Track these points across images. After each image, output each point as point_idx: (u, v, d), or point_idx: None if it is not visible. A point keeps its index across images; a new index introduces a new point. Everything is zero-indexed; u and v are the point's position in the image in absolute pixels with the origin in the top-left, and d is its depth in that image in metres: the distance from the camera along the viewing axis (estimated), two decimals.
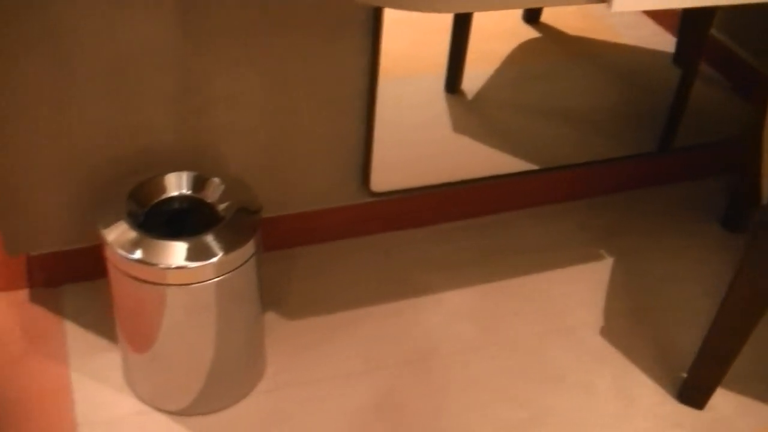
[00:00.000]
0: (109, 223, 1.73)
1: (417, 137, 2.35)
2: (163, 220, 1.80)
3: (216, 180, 1.82)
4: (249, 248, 1.74)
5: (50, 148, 1.93)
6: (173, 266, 1.67)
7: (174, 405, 1.88)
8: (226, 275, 1.72)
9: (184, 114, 1.97)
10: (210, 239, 1.70)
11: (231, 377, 1.88)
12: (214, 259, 1.68)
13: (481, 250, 2.37)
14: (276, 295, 2.19)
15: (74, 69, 1.84)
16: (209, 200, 1.81)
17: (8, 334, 2.06)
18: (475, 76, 2.41)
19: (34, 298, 2.15)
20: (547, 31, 2.47)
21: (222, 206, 1.80)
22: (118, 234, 1.71)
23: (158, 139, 1.98)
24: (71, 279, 2.17)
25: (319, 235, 2.33)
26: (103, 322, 2.09)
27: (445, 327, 2.14)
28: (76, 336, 2.07)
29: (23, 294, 2.17)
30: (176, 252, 1.68)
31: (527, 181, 2.47)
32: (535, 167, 2.44)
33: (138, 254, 1.68)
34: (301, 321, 2.13)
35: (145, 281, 1.70)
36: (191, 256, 1.68)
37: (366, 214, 2.32)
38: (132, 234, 1.71)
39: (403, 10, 1.41)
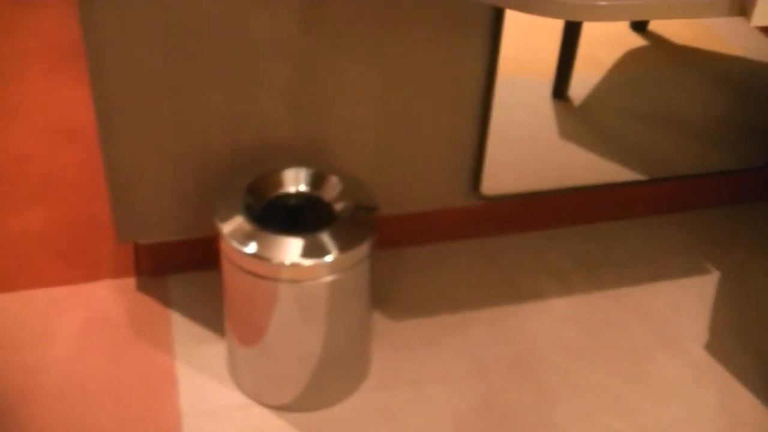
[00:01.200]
0: (225, 216, 1.73)
1: (525, 141, 2.33)
2: (279, 215, 1.79)
3: (334, 179, 1.81)
4: (364, 249, 1.73)
5: (167, 139, 1.94)
6: (287, 262, 1.67)
7: (278, 400, 1.88)
8: (340, 274, 1.71)
9: (302, 108, 1.97)
10: (326, 237, 1.70)
11: (336, 375, 1.88)
12: (329, 258, 1.68)
13: (588, 258, 2.34)
14: (383, 294, 2.18)
15: (195, 60, 1.85)
16: (326, 198, 1.81)
17: (115, 320, 2.08)
18: (582, 82, 2.39)
19: (141, 286, 2.17)
20: (655, 39, 2.44)
21: (339, 205, 1.79)
22: (234, 227, 1.72)
23: (275, 132, 1.98)
24: (178, 269, 2.19)
25: (428, 236, 2.31)
26: (208, 313, 2.10)
27: (551, 333, 2.11)
28: (181, 325, 2.08)
29: (131, 282, 2.19)
30: (291, 248, 1.68)
31: (634, 191, 2.43)
32: (642, 177, 2.41)
33: (253, 248, 1.68)
34: (407, 321, 2.11)
35: (258, 275, 1.70)
36: (306, 253, 1.68)
37: (475, 217, 2.31)
38: (248, 227, 1.71)
39: (562, 19, 1.39)
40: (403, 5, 1.87)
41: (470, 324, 2.11)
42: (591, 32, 2.28)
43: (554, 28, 2.26)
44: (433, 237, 2.31)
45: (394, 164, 2.10)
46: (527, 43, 2.24)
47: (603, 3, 1.39)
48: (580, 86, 2.37)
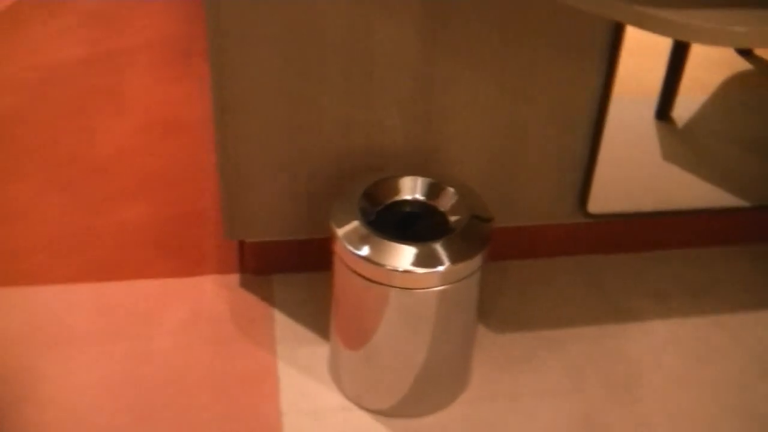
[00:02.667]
0: (341, 218, 1.75)
1: (628, 161, 2.32)
2: (393, 222, 1.81)
3: (450, 190, 1.82)
4: (476, 261, 1.74)
5: (282, 141, 1.97)
6: (400, 269, 1.68)
7: (379, 404, 1.89)
8: (451, 285, 1.72)
9: (416, 117, 1.98)
10: (439, 247, 1.71)
11: (438, 383, 1.88)
12: (442, 268, 1.69)
13: (691, 282, 2.32)
14: (486, 306, 2.18)
15: (315, 64, 1.87)
16: (441, 208, 1.82)
17: (218, 315, 2.11)
18: (686, 104, 2.37)
19: (245, 284, 2.20)
20: (761, 63, 2.41)
21: (453, 215, 1.80)
22: (349, 230, 1.73)
23: (388, 139, 2.00)
24: (281, 269, 2.21)
25: (532, 251, 2.32)
26: (311, 315, 2.12)
27: (651, 356, 2.10)
28: (284, 325, 2.10)
29: (234, 278, 2.22)
30: (405, 255, 1.69)
31: (739, 217, 2.41)
32: (746, 204, 2.38)
33: (367, 252, 1.69)
34: (507, 334, 2.12)
35: (370, 280, 1.72)
36: (419, 261, 1.69)
37: (579, 235, 2.30)
38: (363, 231, 1.73)
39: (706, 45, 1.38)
40: (525, 20, 1.87)
41: (570, 341, 2.10)
42: (697, 54, 2.26)
43: (660, 48, 2.25)
44: (537, 252, 2.31)
45: (503, 177, 2.10)
46: (632, 61, 2.23)
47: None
48: (683, 108, 2.36)
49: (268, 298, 2.15)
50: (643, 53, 2.26)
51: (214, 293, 2.16)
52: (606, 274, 2.31)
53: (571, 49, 1.94)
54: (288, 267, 2.19)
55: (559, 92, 2.00)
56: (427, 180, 1.84)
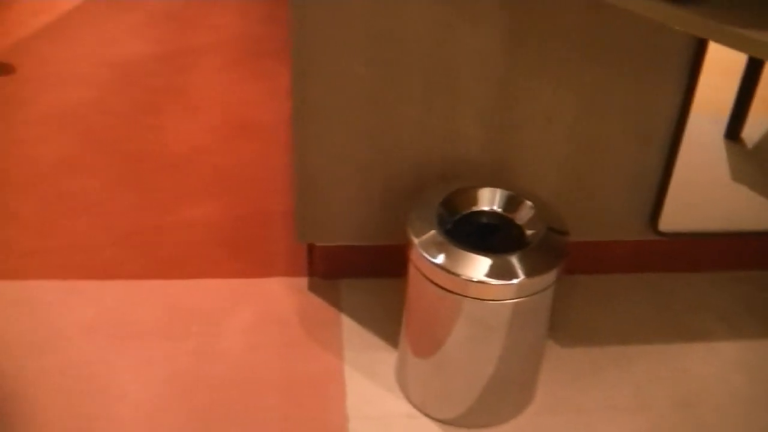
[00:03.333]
0: (418, 226, 1.76)
1: (697, 180, 2.31)
2: (470, 232, 1.81)
3: (528, 203, 1.83)
4: (551, 276, 1.74)
5: (359, 147, 1.98)
6: (475, 279, 1.69)
7: (445, 414, 1.90)
8: (525, 298, 1.73)
9: (494, 127, 1.99)
10: (515, 260, 1.71)
11: (505, 396, 1.89)
12: (516, 281, 1.70)
13: (760, 304, 2.31)
14: (554, 319, 2.18)
15: (396, 71, 1.89)
16: (518, 221, 1.82)
17: (286, 318, 2.12)
18: (756, 125, 2.35)
19: (313, 287, 2.22)
20: None
21: (530, 229, 1.80)
22: (426, 238, 1.74)
23: (465, 148, 2.01)
24: (351, 274, 2.22)
25: (601, 266, 2.31)
26: (379, 321, 2.13)
27: (718, 377, 2.09)
28: (351, 330, 2.11)
29: (303, 281, 2.23)
30: (480, 266, 1.70)
31: None
32: None
33: (442, 261, 1.70)
34: (575, 349, 2.12)
35: (444, 288, 1.73)
36: (495, 273, 1.69)
37: (649, 252, 2.30)
38: (440, 240, 1.74)
39: None
40: (605, 36, 1.87)
41: (636, 358, 2.10)
42: None
43: (732, 67, 2.23)
44: (606, 268, 2.30)
45: (577, 191, 2.10)
46: (703, 80, 2.22)
47: None
48: (754, 128, 2.34)
49: (336, 303, 2.17)
50: (715, 72, 2.25)
51: (282, 295, 2.18)
52: (674, 293, 2.30)
53: (651, 66, 1.94)
54: (357, 272, 2.20)
55: (637, 109, 2.00)
56: (505, 192, 1.85)
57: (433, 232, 1.75)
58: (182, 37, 3.33)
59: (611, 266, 2.30)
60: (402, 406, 1.95)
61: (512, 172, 2.05)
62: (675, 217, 2.20)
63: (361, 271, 2.20)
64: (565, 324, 2.17)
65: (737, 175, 2.30)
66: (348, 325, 2.12)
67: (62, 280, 2.20)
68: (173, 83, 3.04)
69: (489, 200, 1.85)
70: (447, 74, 1.90)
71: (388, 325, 2.10)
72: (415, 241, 1.74)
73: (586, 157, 2.05)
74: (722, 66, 2.17)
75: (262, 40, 3.28)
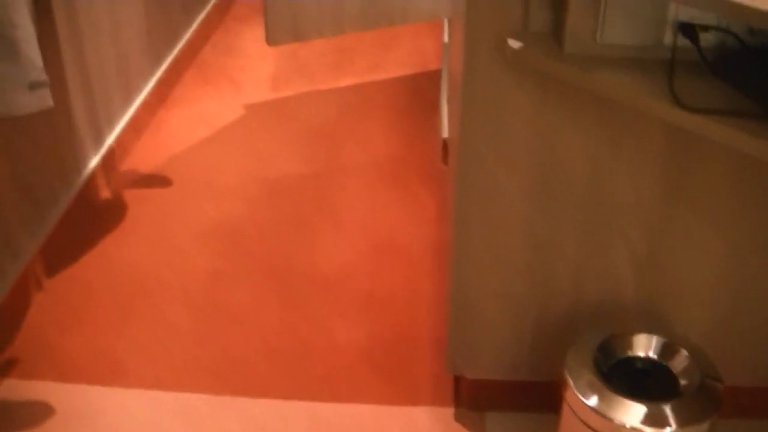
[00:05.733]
0: (575, 368, 1.80)
1: None
2: (625, 377, 1.82)
3: (683, 351, 1.83)
4: (704, 427, 1.74)
5: (515, 279, 2.04)
6: (628, 426, 1.70)
7: None
8: None
9: (647, 270, 2.00)
10: (670, 409, 1.72)
11: None
12: (669, 430, 1.69)
13: None
14: None
15: (555, 208, 1.95)
16: (673, 369, 1.83)
17: None
18: None
19: (459, 418, 2.24)
20: None
21: (684, 377, 1.80)
22: (582, 380, 1.77)
23: (618, 288, 2.03)
24: (497, 407, 2.24)
25: (748, 411, 2.27)
26: None
27: None
28: None
29: (449, 412, 2.25)
30: (634, 412, 1.71)
31: None
32: None
33: (597, 404, 1.72)
34: None
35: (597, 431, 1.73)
36: (648, 420, 1.71)
37: None
38: (596, 384, 1.76)
39: None
40: (762, 179, 1.88)
41: None
42: None
43: None
44: (753, 412, 2.26)
45: (730, 335, 2.10)
46: None
47: None
48: None
49: None
50: None
51: (427, 426, 2.20)
52: None
53: None
54: (504, 405, 2.23)
55: None
56: (661, 339, 1.86)
57: (589, 375, 1.77)
58: (332, 154, 3.44)
59: (759, 411, 2.26)
60: None
61: (665, 314, 2.06)
62: None
63: (508, 405, 2.22)
64: None
65: None
66: None
67: (214, 395, 2.26)
68: (322, 201, 3.14)
69: (644, 346, 1.86)
70: (603, 213, 1.94)
71: None
72: (572, 383, 1.76)
73: (741, 301, 2.05)
74: None
75: (408, 162, 3.37)
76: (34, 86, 2.01)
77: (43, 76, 2.02)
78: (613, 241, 1.97)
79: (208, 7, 4.73)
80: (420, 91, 4.01)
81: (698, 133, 1.50)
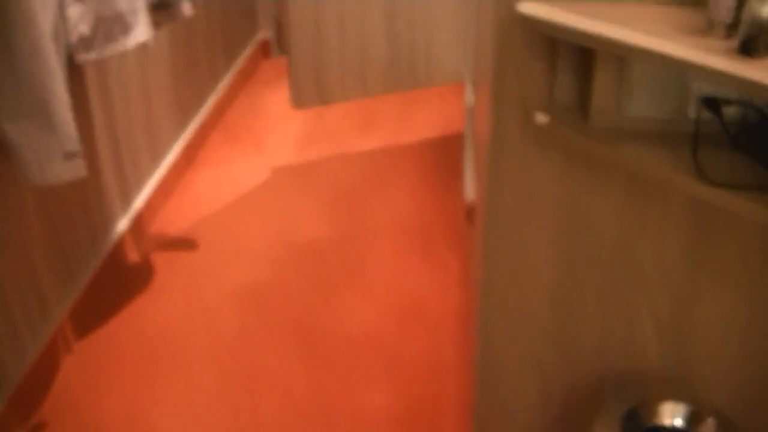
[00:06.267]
0: None
1: None
2: None
3: (710, 420, 1.84)
4: None
5: (541, 347, 2.06)
6: None
7: None
8: None
9: (674, 335, 2.02)
10: None
11: None
12: None
13: None
14: None
15: (578, 272, 1.97)
16: None
17: None
18: None
19: None
20: None
21: None
22: None
23: (644, 354, 2.04)
24: None
25: None
26: None
27: None
28: None
29: None
30: None
31: None
32: None
33: None
34: None
35: None
36: None
37: None
38: None
39: None
40: None
41: None
42: None
43: None
44: None
45: (755, 404, 2.10)
46: None
47: None
48: None
49: None
50: None
51: None
52: None
53: None
54: None
55: None
56: (688, 407, 1.87)
57: None
58: (357, 216, 3.47)
59: None
60: None
61: (691, 380, 2.06)
62: None
63: None
64: None
65: None
66: None
67: None
68: (348, 263, 3.17)
69: (671, 414, 1.88)
70: (628, 279, 1.96)
71: None
72: None
73: (765, 369, 2.05)
74: None
75: (434, 226, 3.40)
76: (68, 156, 2.06)
77: (78, 146, 2.07)
78: (639, 307, 1.99)
79: (234, 69, 4.81)
80: (444, 152, 4.05)
81: (722, 207, 1.52)
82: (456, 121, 4.38)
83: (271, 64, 5.41)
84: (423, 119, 4.44)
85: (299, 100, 3.61)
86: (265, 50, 5.53)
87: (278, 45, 5.51)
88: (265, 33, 5.53)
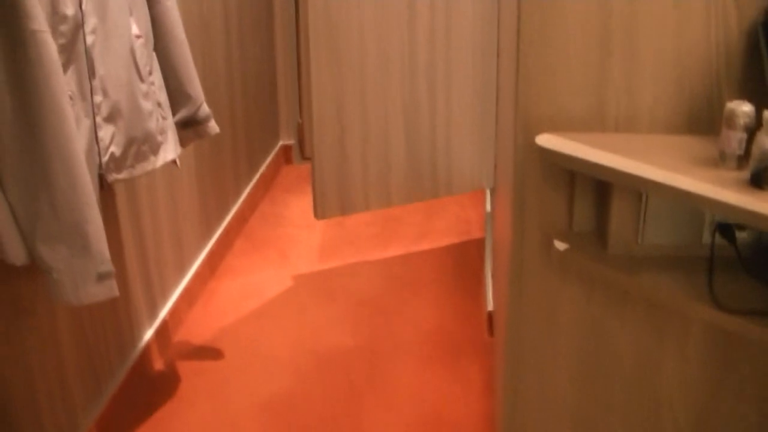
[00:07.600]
0: None
1: None
2: None
3: None
4: None
5: None
6: None
7: None
8: None
9: None
10: None
11: None
12: None
13: None
14: None
15: (598, 391, 2.02)
16: None
17: None
18: None
19: None
20: None
21: None
22: None
23: None
24: None
25: None
26: None
27: None
28: None
29: None
30: None
31: None
32: None
33: None
34: None
35: None
36: None
37: None
38: None
39: None
40: None
41: None
42: None
43: None
44: None
45: None
46: None
47: None
48: None
49: None
50: None
51: None
52: None
53: None
54: None
55: None
56: None
57: None
58: (379, 326, 3.51)
59: None
60: None
61: None
62: None
63: None
64: None
65: None
66: None
67: None
68: (370, 373, 3.20)
69: None
70: (649, 398, 2.00)
71: None
72: None
73: None
74: None
75: (457, 337, 3.43)
76: (102, 277, 2.12)
77: (111, 267, 2.13)
78: (661, 424, 2.02)
79: (256, 177, 4.91)
80: (464, 260, 4.11)
81: (738, 333, 1.57)
82: (476, 227, 4.44)
83: (291, 169, 5.51)
84: (443, 226, 4.51)
85: (322, 211, 3.69)
86: (286, 156, 5.64)
87: (299, 151, 5.62)
88: (286, 139, 5.64)
